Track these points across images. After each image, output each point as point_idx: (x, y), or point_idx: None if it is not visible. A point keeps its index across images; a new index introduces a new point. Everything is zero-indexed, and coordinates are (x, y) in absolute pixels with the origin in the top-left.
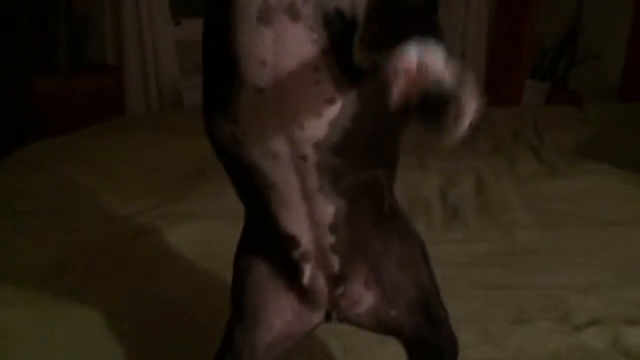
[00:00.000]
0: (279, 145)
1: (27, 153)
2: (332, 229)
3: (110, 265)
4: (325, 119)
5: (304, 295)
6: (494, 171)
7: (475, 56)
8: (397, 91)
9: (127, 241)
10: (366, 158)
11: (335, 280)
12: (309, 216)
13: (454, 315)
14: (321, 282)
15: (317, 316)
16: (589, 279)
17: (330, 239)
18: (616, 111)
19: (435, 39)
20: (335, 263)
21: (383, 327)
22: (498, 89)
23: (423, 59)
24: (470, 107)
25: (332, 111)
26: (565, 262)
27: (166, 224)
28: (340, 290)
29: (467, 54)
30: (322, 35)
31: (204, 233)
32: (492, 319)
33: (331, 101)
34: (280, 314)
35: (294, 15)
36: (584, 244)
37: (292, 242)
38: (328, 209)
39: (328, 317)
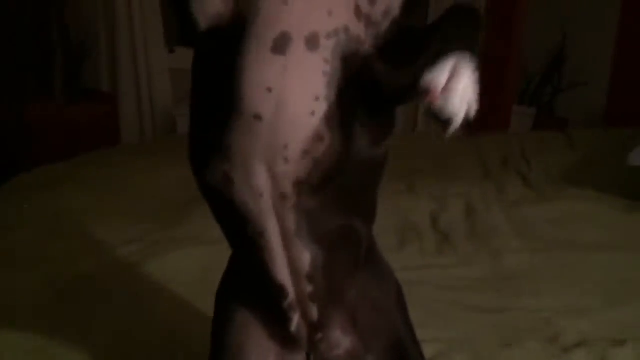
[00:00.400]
0: (263, 181)
1: (22, 181)
2: (310, 278)
3: (109, 292)
4: (310, 156)
5: (287, 339)
6: (483, 197)
7: None
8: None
9: (125, 268)
10: (343, 205)
11: (315, 327)
12: (289, 265)
13: (446, 338)
14: (303, 328)
15: (298, 358)
16: (577, 302)
17: (308, 288)
18: (601, 137)
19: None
20: (314, 311)
21: None
22: (486, 115)
23: (455, 83)
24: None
25: (319, 149)
26: (553, 285)
27: (163, 250)
28: (319, 336)
29: None
30: (335, 67)
31: (202, 259)
32: (483, 342)
33: (320, 139)
34: (262, 357)
35: (312, 45)
36: (571, 268)
37: (281, 291)
38: (305, 257)
39: (308, 358)
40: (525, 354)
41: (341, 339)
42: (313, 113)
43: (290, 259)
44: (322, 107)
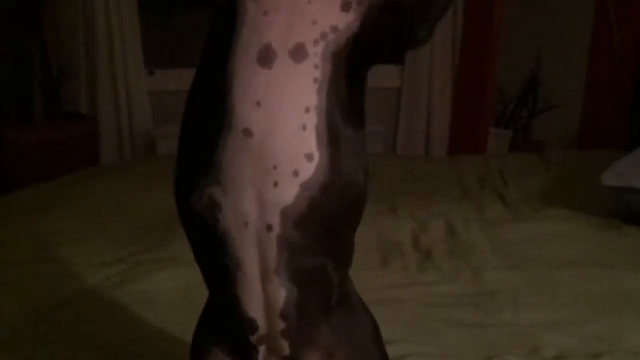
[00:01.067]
0: (251, 207)
1: (3, 203)
2: (283, 315)
3: (92, 313)
4: (299, 179)
5: None
6: (462, 216)
7: (441, 106)
8: None
9: (108, 289)
10: (323, 241)
11: None
12: (264, 300)
13: (429, 352)
14: None
15: None
16: (555, 316)
17: (281, 325)
18: (575, 159)
19: None
20: (286, 347)
21: None
22: (464, 137)
23: None
24: None
25: (307, 170)
26: (532, 301)
27: (146, 271)
28: None
29: (434, 103)
30: (326, 70)
31: (185, 279)
32: (465, 356)
33: (309, 157)
34: None
35: (299, 56)
36: (549, 284)
37: (251, 325)
38: (280, 293)
39: None
40: None
41: None
42: (304, 127)
43: (265, 294)
44: (312, 120)
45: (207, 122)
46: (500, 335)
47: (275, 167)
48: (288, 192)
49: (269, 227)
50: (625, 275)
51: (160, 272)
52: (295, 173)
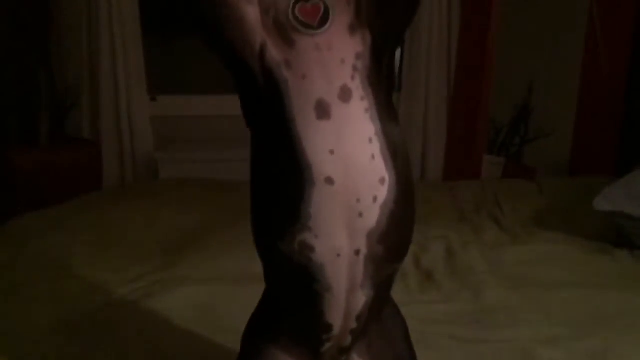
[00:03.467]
0: (343, 241)
1: (17, 226)
2: (358, 317)
3: (113, 328)
4: (378, 202)
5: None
6: (461, 239)
7: (436, 133)
8: None
9: (130, 305)
10: (398, 247)
11: (342, 351)
12: (346, 309)
13: None
14: (332, 352)
15: None
16: (551, 333)
17: (353, 325)
18: (568, 185)
19: None
20: (349, 341)
21: None
22: (459, 163)
23: None
24: None
25: (383, 192)
26: (529, 318)
27: (160, 289)
28: (343, 357)
29: (429, 130)
30: (370, 98)
31: (199, 297)
32: None
33: (382, 181)
34: None
35: (346, 97)
36: (544, 303)
37: (327, 328)
38: (361, 301)
39: None
40: None
41: None
42: (373, 157)
43: (348, 304)
44: (377, 146)
45: (290, 182)
46: (501, 351)
47: (358, 201)
48: (372, 218)
49: (357, 252)
50: (617, 296)
51: (176, 290)
52: (375, 199)
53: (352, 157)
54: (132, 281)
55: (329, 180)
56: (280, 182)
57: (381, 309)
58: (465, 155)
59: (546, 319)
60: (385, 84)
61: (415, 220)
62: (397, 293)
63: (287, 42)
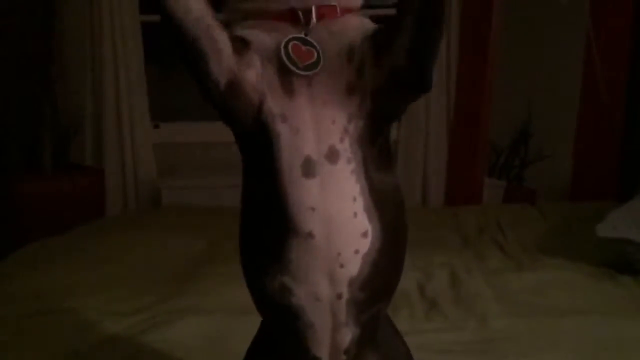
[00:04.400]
0: (323, 288)
1: (17, 257)
2: (346, 352)
3: None
4: (360, 254)
5: None
6: (465, 265)
7: (437, 158)
8: None
9: (133, 337)
10: (382, 291)
11: None
12: (331, 344)
13: None
14: None
15: None
16: None
17: (342, 357)
18: (569, 210)
19: None
20: None
21: None
22: (460, 187)
23: None
24: None
25: (365, 244)
26: (536, 347)
27: (165, 320)
28: None
29: (430, 155)
30: (358, 157)
31: (203, 328)
32: None
33: (365, 234)
34: None
35: (333, 158)
36: (551, 332)
37: None
38: (347, 337)
39: None
40: None
41: None
42: (355, 214)
43: (333, 340)
44: (360, 204)
45: (273, 229)
46: None
47: (339, 254)
48: (353, 268)
49: (339, 295)
50: (622, 323)
51: (180, 322)
52: (356, 251)
53: (333, 215)
54: (137, 312)
55: (310, 235)
56: (264, 225)
57: (373, 339)
58: (466, 179)
59: (553, 348)
60: (380, 141)
61: (415, 252)
62: (402, 321)
63: (288, 92)
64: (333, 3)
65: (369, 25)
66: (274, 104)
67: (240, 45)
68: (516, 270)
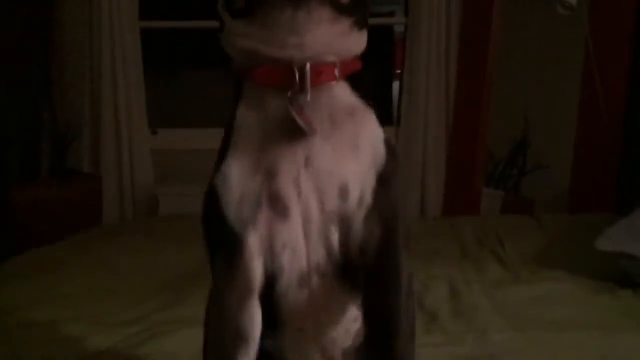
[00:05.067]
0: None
1: (14, 265)
2: None
3: None
4: (349, 331)
5: None
6: (464, 277)
7: (435, 167)
8: None
9: (132, 348)
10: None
11: None
12: None
13: None
14: None
15: None
16: None
17: None
18: (567, 221)
19: None
20: None
21: None
22: (458, 197)
23: None
24: None
25: (356, 325)
26: None
27: (162, 331)
28: None
29: (428, 164)
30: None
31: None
32: None
33: (356, 319)
34: None
35: (322, 273)
36: (551, 346)
37: None
38: None
39: None
40: None
41: None
42: (344, 312)
43: None
44: (349, 306)
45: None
46: None
47: (332, 338)
48: (345, 342)
49: (332, 358)
50: (623, 337)
51: (179, 332)
52: (347, 330)
53: (322, 316)
54: (134, 322)
55: (300, 330)
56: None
57: None
58: (464, 188)
59: None
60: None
61: (411, 270)
62: None
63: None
64: (332, 58)
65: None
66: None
67: None
68: (515, 283)
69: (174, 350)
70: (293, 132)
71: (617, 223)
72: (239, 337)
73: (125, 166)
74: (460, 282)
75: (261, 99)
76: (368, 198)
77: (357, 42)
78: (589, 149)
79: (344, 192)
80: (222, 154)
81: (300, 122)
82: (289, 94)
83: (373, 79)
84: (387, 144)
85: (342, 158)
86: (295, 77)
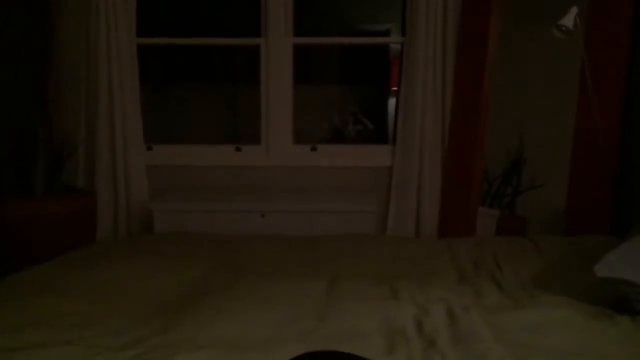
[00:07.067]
0: None
1: (9, 284)
2: None
3: None
4: None
5: None
6: (462, 302)
7: (431, 186)
8: None
9: None
10: None
11: None
12: None
13: None
14: None
15: None
16: None
17: None
18: (564, 244)
19: None
20: None
21: None
22: (453, 217)
23: None
24: None
25: None
26: None
27: (159, 356)
28: None
29: (424, 183)
30: None
31: None
32: None
33: None
34: None
35: None
36: None
37: None
38: None
39: None
40: None
41: None
42: None
43: None
44: None
45: None
46: None
47: None
48: None
49: None
50: None
51: (175, 357)
52: None
53: None
54: (129, 346)
55: None
56: None
57: None
58: (460, 208)
59: None
60: None
61: (410, 286)
62: None
63: None
64: None
65: None
66: None
67: None
68: (513, 308)
69: None
70: None
71: (617, 248)
72: None
73: (120, 182)
74: (458, 307)
75: None
76: None
77: None
78: (585, 168)
79: None
80: None
81: None
82: None
83: (369, 96)
84: None
85: None
86: None
